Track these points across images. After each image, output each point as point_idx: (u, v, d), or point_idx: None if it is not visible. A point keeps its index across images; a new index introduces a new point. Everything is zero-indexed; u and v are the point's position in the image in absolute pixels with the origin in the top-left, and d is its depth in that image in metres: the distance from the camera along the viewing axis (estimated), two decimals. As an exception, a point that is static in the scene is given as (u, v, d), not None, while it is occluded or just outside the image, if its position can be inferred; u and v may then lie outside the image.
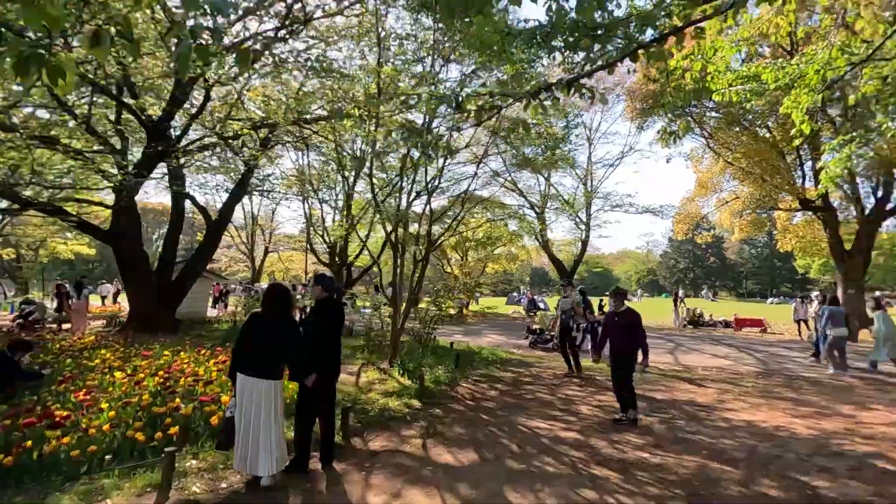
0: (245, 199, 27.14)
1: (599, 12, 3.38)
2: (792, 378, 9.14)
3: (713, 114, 17.72)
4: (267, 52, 9.46)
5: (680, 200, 21.82)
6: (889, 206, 17.46)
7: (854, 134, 6.71)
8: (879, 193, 17.36)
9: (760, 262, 66.45)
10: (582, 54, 3.98)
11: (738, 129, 17.44)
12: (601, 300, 17.12)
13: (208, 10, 2.30)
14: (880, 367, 9.71)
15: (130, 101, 10.17)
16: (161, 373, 5.82)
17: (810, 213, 19.94)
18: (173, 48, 4.81)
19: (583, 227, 24.35)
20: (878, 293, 16.88)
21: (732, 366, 10.42)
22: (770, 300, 52.49)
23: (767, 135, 18.51)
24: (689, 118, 16.84)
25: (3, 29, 2.08)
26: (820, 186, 6.86)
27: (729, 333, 17.83)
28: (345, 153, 13.55)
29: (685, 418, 6.18)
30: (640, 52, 3.80)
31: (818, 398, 7.48)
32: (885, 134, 14.78)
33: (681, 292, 23.56)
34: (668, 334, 16.80)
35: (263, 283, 28.42)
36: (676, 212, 22.22)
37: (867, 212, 17.65)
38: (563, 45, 3.87)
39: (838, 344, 9.60)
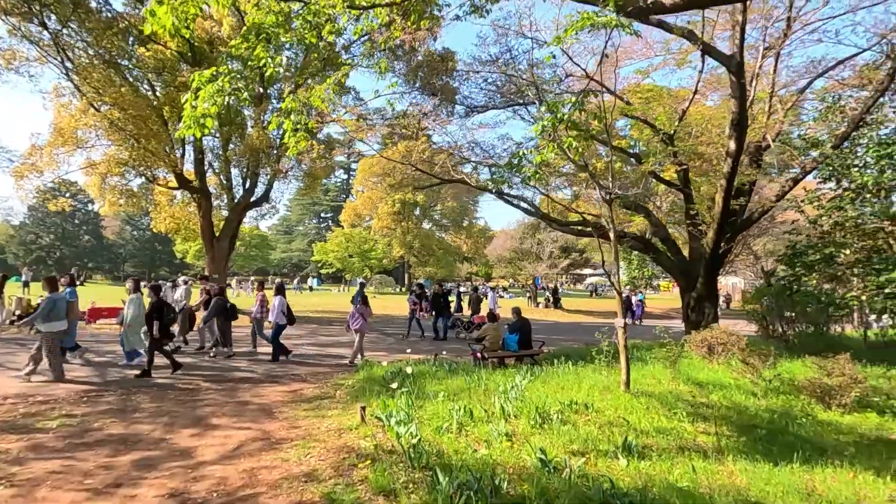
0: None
1: None
2: (132, 393, 6.92)
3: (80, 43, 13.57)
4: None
5: (27, 150, 15.78)
6: (253, 199, 19.28)
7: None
8: (247, 184, 18.85)
9: (142, 245, 64.63)
10: None
11: (114, 74, 14.13)
12: None
13: None
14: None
15: None
16: None
17: (189, 194, 19.37)
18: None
19: None
20: (185, 277, 18.05)
21: (46, 387, 7.07)
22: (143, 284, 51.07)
23: (151, 94, 16.28)
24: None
25: None
26: (179, 131, 4.87)
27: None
28: None
29: None
30: None
31: (154, 425, 5.50)
32: (256, 126, 14.82)
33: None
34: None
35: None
36: (19, 164, 15.97)
37: (236, 200, 18.76)
38: None
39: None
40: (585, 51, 13.65)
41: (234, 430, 5.49)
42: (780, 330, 12.55)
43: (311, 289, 45.32)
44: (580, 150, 4.77)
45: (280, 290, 10.60)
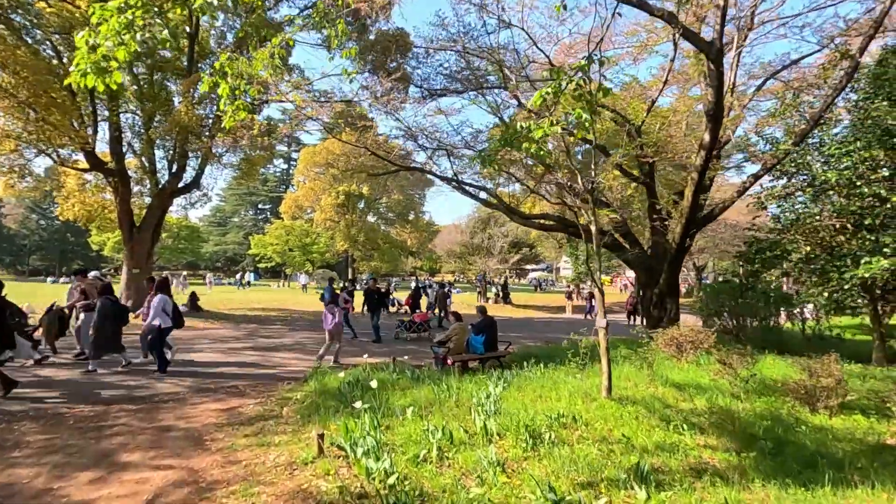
0: None
1: None
2: (16, 420, 5.48)
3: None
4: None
5: None
6: (181, 184, 17.26)
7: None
8: (174, 168, 16.81)
9: (50, 235, 58.05)
10: None
11: (4, 29, 11.85)
12: None
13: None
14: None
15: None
16: None
17: (104, 177, 17.02)
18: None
19: None
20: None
21: None
22: (51, 279, 46.14)
23: (56, 60, 13.96)
24: None
25: None
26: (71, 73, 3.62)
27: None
28: None
29: None
30: None
31: (39, 468, 4.21)
32: (185, 101, 13.12)
33: None
34: None
35: None
36: None
37: (161, 186, 16.69)
38: None
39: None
40: (548, 38, 13.11)
41: (151, 469, 4.28)
42: (732, 325, 12.71)
43: (248, 283, 42.54)
44: (587, 124, 3.99)
45: (163, 287, 8.66)
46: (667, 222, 10.98)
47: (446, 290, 19.16)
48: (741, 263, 12.28)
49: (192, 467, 4.32)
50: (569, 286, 29.12)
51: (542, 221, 12.35)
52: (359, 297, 17.86)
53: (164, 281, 8.95)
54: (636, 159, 10.95)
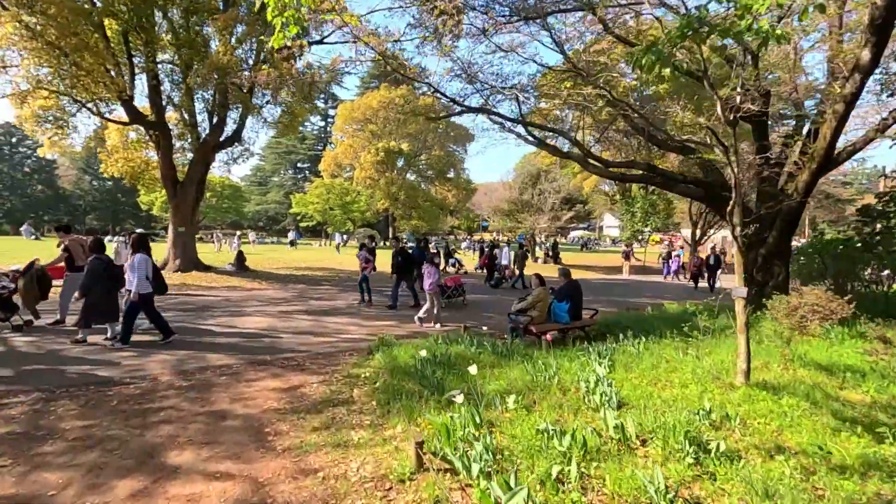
0: None
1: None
2: (53, 398, 4.72)
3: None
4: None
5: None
6: (223, 138, 16.38)
7: None
8: (215, 120, 15.89)
9: (102, 196, 59.81)
10: None
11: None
12: None
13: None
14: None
15: None
16: None
17: (144, 131, 16.32)
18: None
19: None
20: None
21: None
22: (107, 238, 47.67)
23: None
24: None
25: None
26: None
27: None
28: None
29: None
30: None
31: (70, 472, 3.35)
32: (222, 40, 11.82)
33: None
34: None
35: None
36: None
37: (202, 139, 15.84)
38: None
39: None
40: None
41: (205, 479, 3.35)
42: (847, 289, 10.93)
43: (292, 244, 42.59)
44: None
45: (141, 245, 7.19)
46: (777, 170, 9.18)
47: (525, 249, 17.97)
48: (863, 219, 10.36)
49: (255, 477, 3.35)
50: (627, 245, 27.19)
51: (624, 171, 10.71)
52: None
53: (143, 238, 7.42)
54: (747, 95, 9.07)
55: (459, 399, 3.65)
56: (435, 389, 4.78)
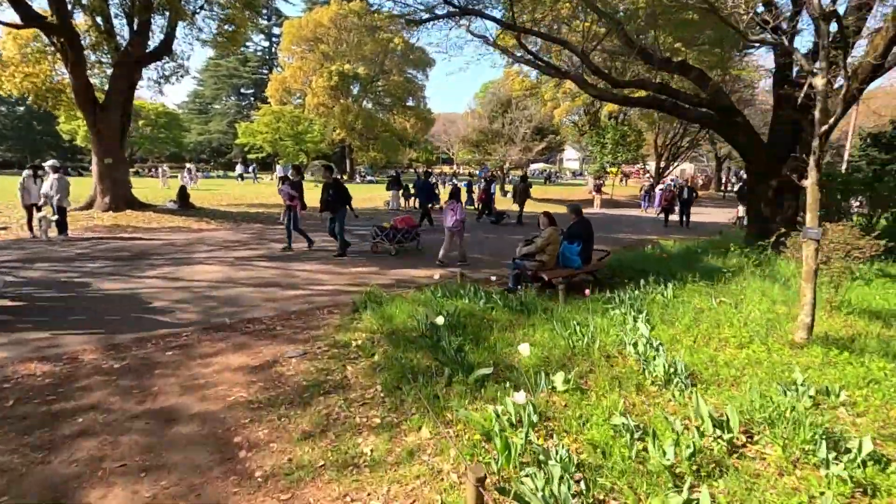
0: None
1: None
2: None
3: None
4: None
5: None
6: (149, 50, 13.66)
7: None
8: (136, 26, 13.10)
9: (13, 123, 52.52)
10: None
11: None
12: None
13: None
14: None
15: None
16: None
17: (46, 38, 13.33)
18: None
19: None
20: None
21: None
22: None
23: None
24: None
25: None
26: None
27: None
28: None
29: None
30: None
31: None
32: None
33: None
34: None
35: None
36: None
37: (122, 50, 13.12)
38: None
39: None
40: None
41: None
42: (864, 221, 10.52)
43: (241, 177, 39.33)
44: None
45: None
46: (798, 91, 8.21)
47: (527, 183, 16.76)
48: (875, 147, 9.76)
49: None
50: (597, 178, 26.47)
51: (629, 93, 9.41)
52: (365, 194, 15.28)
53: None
54: None
55: (521, 399, 2.56)
56: (458, 366, 3.69)
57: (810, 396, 3.36)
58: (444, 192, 21.83)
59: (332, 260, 8.91)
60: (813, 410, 3.23)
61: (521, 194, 16.15)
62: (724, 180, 44.87)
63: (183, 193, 16.08)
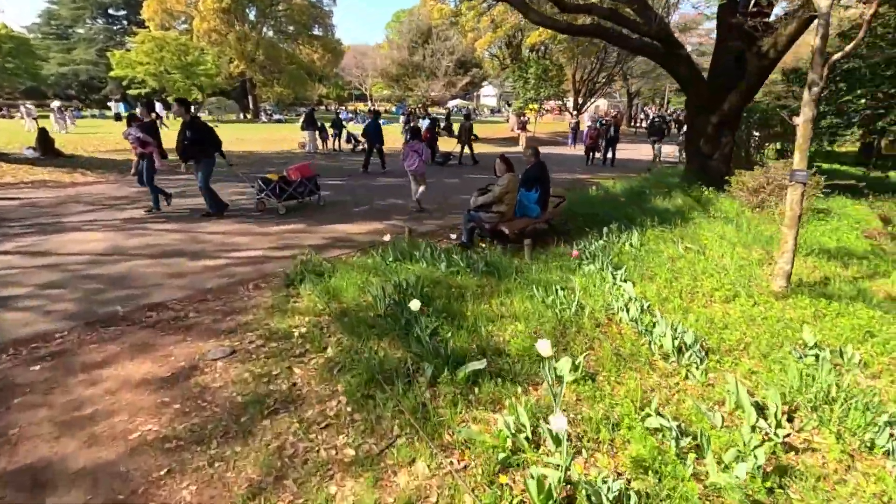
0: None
1: None
2: None
3: None
4: None
5: None
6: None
7: None
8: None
9: None
10: None
11: None
12: None
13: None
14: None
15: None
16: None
17: None
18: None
19: None
20: None
21: None
22: None
23: None
24: None
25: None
26: None
27: None
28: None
29: None
30: None
31: None
32: None
33: None
34: None
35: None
36: None
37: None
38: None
39: None
40: None
41: None
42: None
43: (118, 117, 33.89)
44: None
45: None
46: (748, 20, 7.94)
47: (471, 121, 15.54)
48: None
49: None
50: (521, 115, 25.89)
51: (571, 21, 8.59)
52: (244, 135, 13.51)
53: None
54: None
55: (561, 424, 1.90)
56: (441, 359, 2.95)
57: (825, 360, 3.08)
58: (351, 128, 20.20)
59: (251, 217, 7.59)
60: (836, 377, 2.95)
61: (467, 133, 15.25)
62: (633, 115, 46.71)
63: (44, 137, 13.13)
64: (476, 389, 2.76)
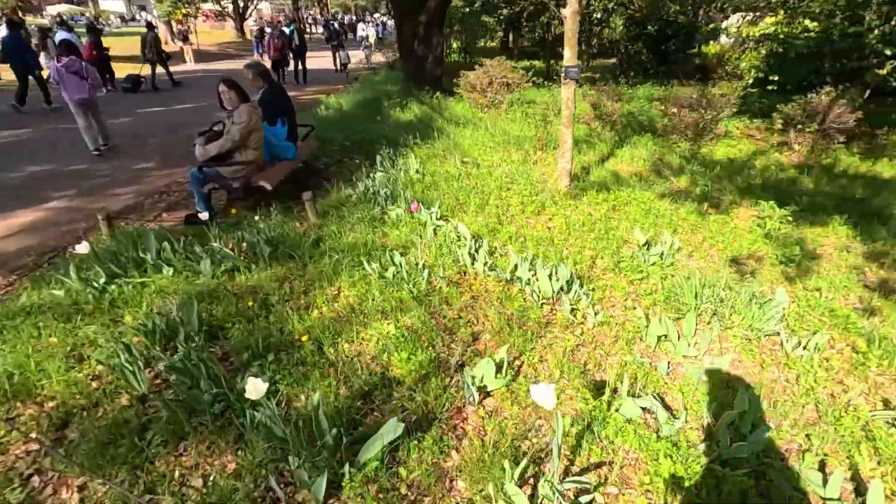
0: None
1: None
2: None
3: None
4: None
5: None
6: None
7: None
8: None
9: None
10: None
11: None
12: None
13: None
14: None
15: None
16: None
17: None
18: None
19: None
20: None
21: None
22: None
23: None
24: None
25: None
26: None
27: None
28: None
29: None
30: None
31: None
32: None
33: None
34: None
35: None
36: None
37: None
38: None
39: None
40: None
41: None
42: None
43: None
44: None
45: None
46: None
47: (155, 31, 10.35)
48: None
49: None
50: (179, 23, 20.48)
51: None
52: None
53: None
54: None
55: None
56: (335, 443, 1.72)
57: (657, 254, 3.22)
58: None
59: None
60: (671, 269, 3.11)
61: (154, 46, 10.97)
62: (302, 20, 43.88)
63: None
64: (402, 471, 1.72)
